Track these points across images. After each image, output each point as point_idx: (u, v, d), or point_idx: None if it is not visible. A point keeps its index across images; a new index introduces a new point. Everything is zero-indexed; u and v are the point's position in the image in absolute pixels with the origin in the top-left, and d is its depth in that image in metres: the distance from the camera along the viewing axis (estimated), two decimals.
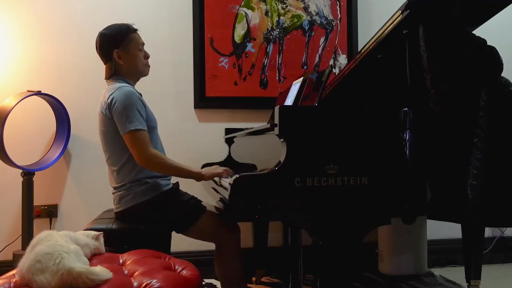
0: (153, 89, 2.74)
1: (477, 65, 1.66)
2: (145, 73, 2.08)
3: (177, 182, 2.12)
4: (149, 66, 2.08)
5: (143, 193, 1.90)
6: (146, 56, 2.06)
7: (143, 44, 2.04)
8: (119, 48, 1.96)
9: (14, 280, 1.31)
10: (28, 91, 2.53)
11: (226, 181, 1.61)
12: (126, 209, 1.91)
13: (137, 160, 1.84)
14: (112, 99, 1.86)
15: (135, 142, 1.82)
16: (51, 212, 2.72)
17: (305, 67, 3.02)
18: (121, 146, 1.88)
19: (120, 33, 1.97)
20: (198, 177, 1.92)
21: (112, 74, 1.99)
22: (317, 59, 3.04)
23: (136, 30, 2.02)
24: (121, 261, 1.59)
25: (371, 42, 1.88)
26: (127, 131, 1.82)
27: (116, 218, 1.96)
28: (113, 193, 1.97)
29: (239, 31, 2.94)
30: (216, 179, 2.08)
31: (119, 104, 1.84)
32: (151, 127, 1.95)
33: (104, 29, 2.01)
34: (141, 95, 1.96)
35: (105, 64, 2.01)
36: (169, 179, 2.04)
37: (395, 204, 1.53)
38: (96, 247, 1.58)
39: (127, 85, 1.93)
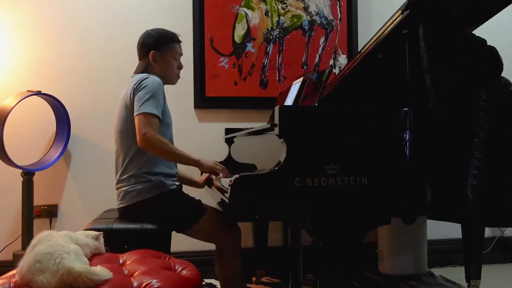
0: None
1: (477, 65, 1.66)
2: (172, 82, 2.12)
3: (181, 184, 2.13)
4: (179, 77, 2.13)
5: (147, 190, 1.90)
6: (179, 67, 2.11)
7: (180, 55, 2.10)
8: (157, 52, 2.02)
9: (14, 280, 1.31)
10: (28, 91, 2.53)
11: (226, 181, 1.61)
12: (129, 205, 1.92)
13: (139, 140, 1.82)
14: (140, 83, 1.89)
15: (145, 123, 1.82)
16: (51, 212, 2.72)
17: (305, 67, 3.02)
18: (135, 136, 1.87)
19: (163, 38, 2.04)
20: (197, 164, 1.94)
21: (141, 72, 2.03)
22: (317, 59, 3.04)
23: (179, 41, 2.09)
24: (121, 261, 1.59)
25: (371, 42, 1.88)
26: (142, 112, 1.83)
27: (119, 214, 1.97)
28: (117, 188, 1.98)
29: (239, 31, 2.94)
30: (219, 180, 2.08)
31: (144, 88, 1.87)
32: (167, 124, 1.98)
33: (152, 29, 2.07)
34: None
35: (139, 60, 2.07)
36: (174, 179, 2.05)
37: (395, 204, 1.53)
38: (96, 247, 1.58)
39: (155, 76, 1.97)
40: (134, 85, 1.91)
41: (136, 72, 2.05)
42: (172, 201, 1.94)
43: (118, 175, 1.99)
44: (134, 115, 1.86)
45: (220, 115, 2.94)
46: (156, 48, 2.02)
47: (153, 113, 1.84)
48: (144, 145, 1.83)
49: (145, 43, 2.04)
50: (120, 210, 1.97)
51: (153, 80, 1.92)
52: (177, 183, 2.10)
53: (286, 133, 1.46)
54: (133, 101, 1.89)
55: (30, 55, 2.74)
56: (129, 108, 1.92)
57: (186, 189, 2.11)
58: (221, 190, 1.84)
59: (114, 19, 2.83)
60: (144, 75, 1.95)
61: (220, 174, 1.97)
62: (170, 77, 2.09)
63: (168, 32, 2.07)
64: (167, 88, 2.18)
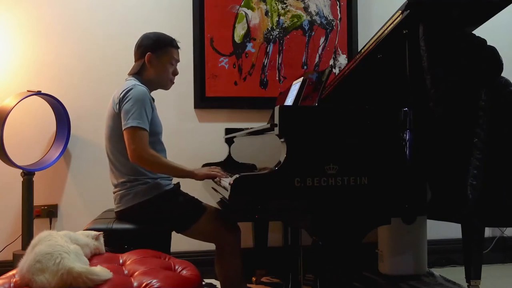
0: None
1: (477, 65, 1.66)
2: (166, 87, 2.12)
3: (178, 183, 2.12)
4: (173, 83, 2.13)
5: (143, 192, 1.90)
6: (175, 73, 2.11)
7: (177, 61, 2.09)
8: (153, 54, 2.02)
9: (14, 280, 1.31)
10: (28, 91, 2.53)
11: (226, 181, 1.61)
12: (126, 208, 1.91)
13: (130, 156, 1.83)
14: (125, 94, 1.89)
15: (134, 138, 1.83)
16: (51, 212, 2.72)
17: (305, 67, 3.02)
18: (122, 143, 1.88)
19: (161, 41, 2.04)
20: (190, 176, 1.94)
21: (135, 73, 2.04)
22: (317, 59, 3.04)
23: (178, 47, 2.09)
24: (121, 261, 1.59)
25: (371, 42, 1.88)
26: (129, 126, 1.83)
27: (117, 217, 1.96)
28: (114, 192, 1.98)
29: (239, 31, 2.94)
30: (217, 179, 2.08)
31: (129, 100, 1.87)
32: (156, 132, 1.97)
33: (151, 32, 2.08)
34: (153, 99, 1.99)
35: (135, 61, 2.07)
36: (170, 179, 2.05)
37: (395, 204, 1.53)
38: (96, 247, 1.58)
39: (142, 85, 1.96)
40: (120, 95, 1.91)
41: (130, 73, 2.06)
42: (170, 202, 1.94)
43: (113, 179, 1.99)
44: (123, 129, 1.86)
45: (220, 115, 2.94)
46: (153, 50, 2.01)
47: (141, 127, 1.84)
48: (134, 161, 1.84)
49: (143, 44, 2.04)
50: (117, 213, 1.97)
51: (138, 90, 1.90)
52: (174, 182, 2.09)
53: (286, 133, 1.46)
54: (120, 112, 1.89)
55: (30, 55, 2.74)
56: (115, 117, 1.92)
57: (186, 188, 2.11)
58: (221, 190, 1.84)
59: (114, 19, 2.83)
60: (131, 84, 1.94)
61: (218, 176, 1.96)
62: (164, 82, 2.08)
63: (167, 36, 2.06)
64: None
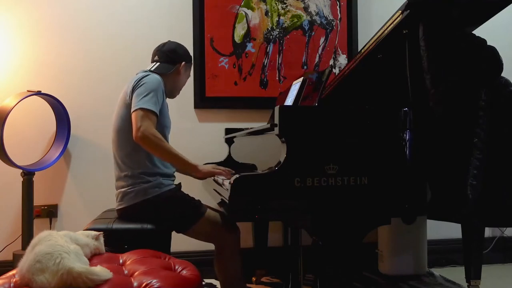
0: None
1: (477, 65, 1.66)
2: (173, 95, 2.18)
3: (180, 183, 2.12)
4: (178, 94, 2.21)
5: (145, 191, 1.90)
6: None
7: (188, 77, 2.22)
8: (186, 64, 2.12)
9: (14, 280, 1.31)
10: (28, 91, 2.53)
11: (226, 182, 1.61)
12: (127, 206, 1.92)
13: (135, 134, 1.81)
14: (141, 79, 1.92)
15: (142, 118, 1.81)
16: (51, 212, 2.72)
17: (305, 67, 3.02)
18: (132, 135, 1.86)
19: (190, 56, 2.19)
20: (193, 170, 1.92)
21: (163, 72, 2.05)
22: (317, 59, 3.04)
23: None
24: (121, 261, 1.59)
25: (371, 42, 1.88)
26: (139, 108, 1.83)
27: (118, 215, 1.97)
28: (116, 189, 1.98)
29: (239, 31, 2.94)
30: (219, 180, 2.08)
31: (144, 85, 1.89)
32: (164, 125, 1.99)
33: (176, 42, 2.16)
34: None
35: (157, 61, 2.08)
36: (172, 180, 2.04)
37: (395, 204, 1.53)
38: (96, 247, 1.58)
39: (157, 75, 2.00)
40: (134, 82, 1.92)
41: (156, 71, 2.04)
42: (171, 202, 1.94)
43: (116, 174, 2.00)
44: (132, 110, 1.85)
45: (220, 115, 2.94)
46: (187, 61, 2.12)
47: (151, 109, 1.84)
48: (139, 140, 1.81)
49: (179, 51, 2.11)
50: (119, 211, 1.97)
51: (153, 77, 1.94)
52: (175, 182, 2.09)
53: (286, 133, 1.46)
54: (132, 98, 1.89)
55: (30, 55, 2.74)
56: (128, 107, 1.92)
57: (186, 188, 2.11)
58: (221, 190, 1.84)
59: (114, 19, 2.83)
60: (146, 73, 1.98)
61: (223, 175, 1.96)
62: (176, 91, 2.16)
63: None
64: None
